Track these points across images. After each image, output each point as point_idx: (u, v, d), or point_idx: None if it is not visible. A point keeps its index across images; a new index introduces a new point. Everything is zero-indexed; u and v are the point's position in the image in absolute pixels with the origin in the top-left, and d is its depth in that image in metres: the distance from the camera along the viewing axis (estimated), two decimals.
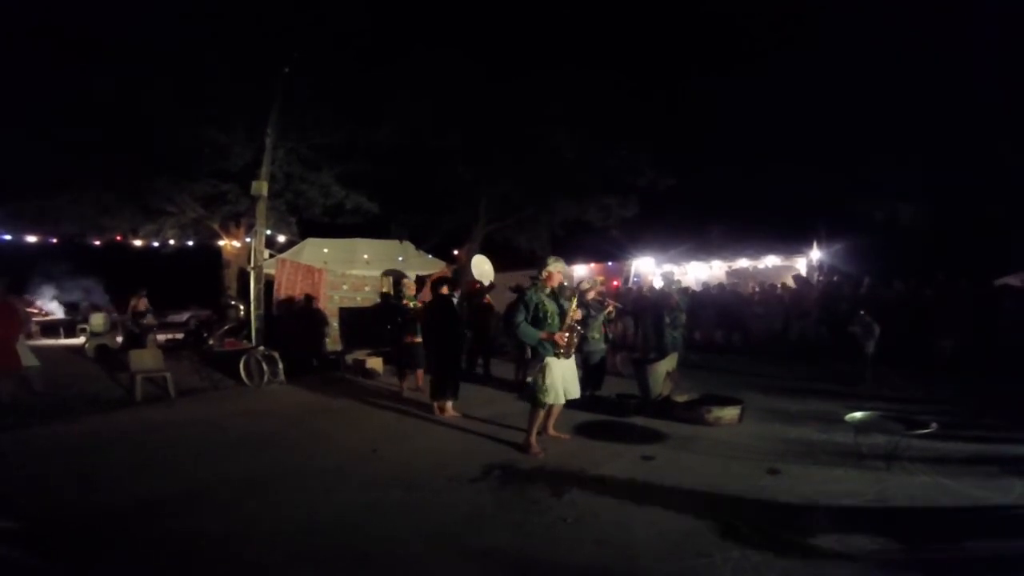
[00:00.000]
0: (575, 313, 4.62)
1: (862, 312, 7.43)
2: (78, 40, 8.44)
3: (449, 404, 5.99)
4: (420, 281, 6.32)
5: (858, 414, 4.56)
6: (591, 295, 6.31)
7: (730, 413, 5.38)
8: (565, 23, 12.89)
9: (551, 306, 4.59)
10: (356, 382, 8.18)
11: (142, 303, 10.27)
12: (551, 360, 4.51)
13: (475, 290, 8.56)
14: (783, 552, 2.88)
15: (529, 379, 4.61)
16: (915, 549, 2.96)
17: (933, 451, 4.38)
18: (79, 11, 8.11)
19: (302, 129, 10.47)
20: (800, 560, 2.81)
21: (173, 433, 5.43)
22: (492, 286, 8.83)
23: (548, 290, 4.67)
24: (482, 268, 8.82)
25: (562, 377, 4.57)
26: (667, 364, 6.20)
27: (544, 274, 4.69)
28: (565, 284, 5.00)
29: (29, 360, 6.26)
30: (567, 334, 4.52)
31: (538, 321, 4.54)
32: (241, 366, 7.84)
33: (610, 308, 6.23)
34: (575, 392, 4.73)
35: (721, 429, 5.27)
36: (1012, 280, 9.84)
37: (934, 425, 4.21)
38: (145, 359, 7.34)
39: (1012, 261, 10.68)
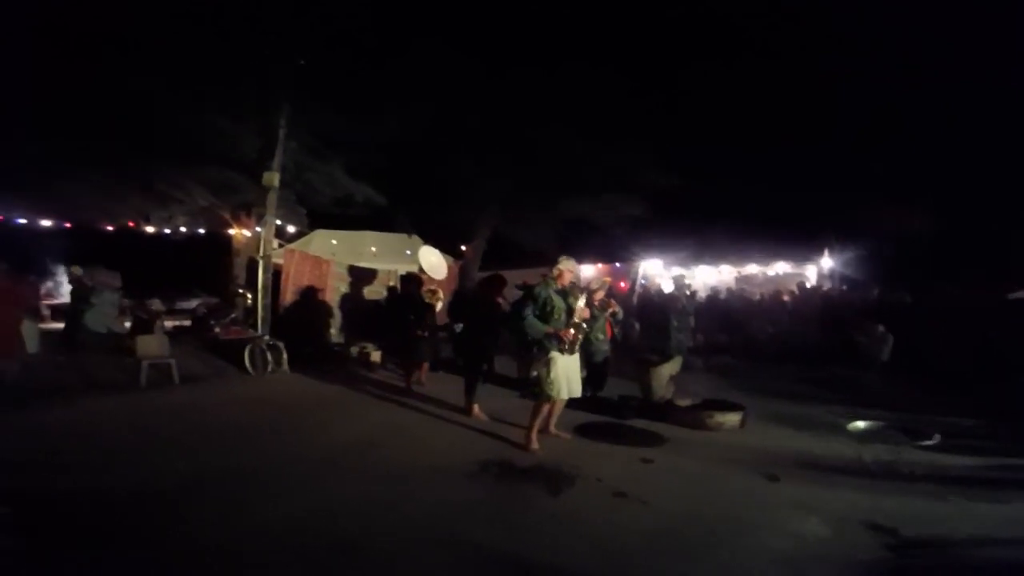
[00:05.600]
0: (583, 312, 4.70)
1: (875, 323, 7.33)
2: (85, 27, 8.48)
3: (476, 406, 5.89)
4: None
5: (861, 423, 4.54)
6: (598, 296, 6.27)
7: (732, 419, 5.34)
8: (574, 21, 12.75)
9: (559, 303, 4.67)
10: (360, 374, 8.21)
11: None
12: (556, 355, 4.57)
13: (426, 287, 7.90)
14: (775, 558, 2.87)
15: (533, 373, 4.63)
16: (909, 557, 2.95)
17: (934, 463, 4.35)
18: (85, 7, 8.14)
19: (314, 120, 10.50)
20: (792, 566, 2.79)
21: (174, 421, 5.44)
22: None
23: (558, 287, 4.74)
24: (430, 260, 8.54)
25: (566, 373, 4.61)
26: (671, 367, 6.17)
27: (555, 271, 4.76)
28: (575, 283, 5.02)
29: (32, 346, 6.31)
30: (572, 331, 4.59)
31: (545, 317, 4.62)
32: (245, 355, 7.88)
33: (613, 309, 6.19)
34: (577, 390, 4.78)
35: (722, 434, 5.24)
36: None
37: (937, 437, 4.18)
38: (151, 346, 7.37)
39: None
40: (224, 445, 4.69)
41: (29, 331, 6.43)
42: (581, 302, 4.70)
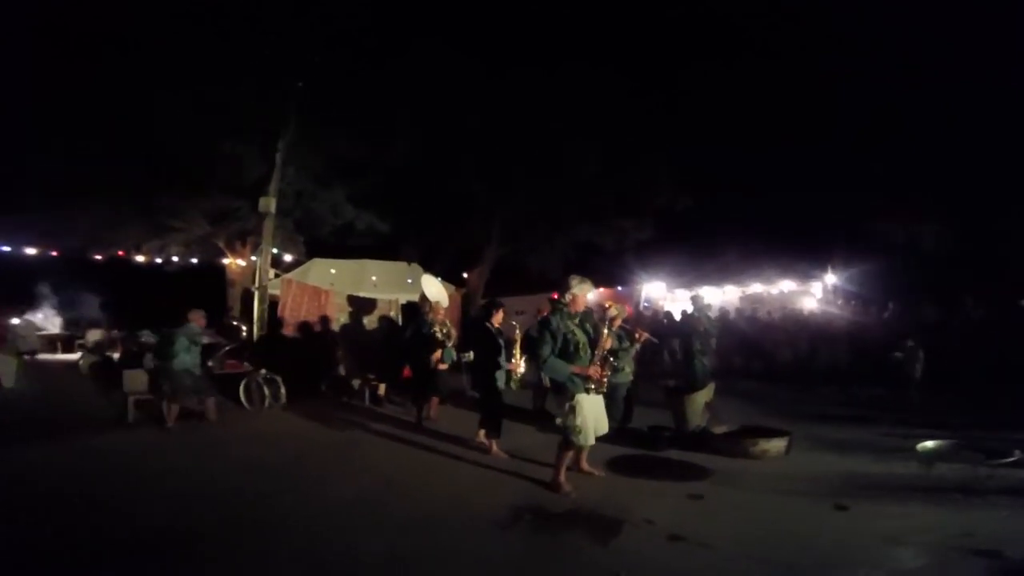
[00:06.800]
0: (607, 342, 4.10)
1: (907, 340, 6.98)
2: (88, 47, 8.28)
3: (481, 433, 5.42)
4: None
5: (930, 443, 4.17)
6: (616, 323, 5.82)
7: (777, 445, 4.91)
8: (574, 22, 12.61)
9: (580, 336, 4.05)
10: (365, 409, 7.69)
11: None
12: (581, 397, 3.99)
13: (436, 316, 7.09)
14: None
15: (558, 420, 4.09)
16: None
17: (1012, 479, 3.92)
18: (88, 16, 7.95)
19: (315, 144, 10.25)
20: None
21: (165, 463, 4.92)
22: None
23: (577, 317, 4.13)
24: (430, 290, 8.18)
25: (593, 414, 4.06)
26: (705, 395, 5.70)
27: (568, 297, 4.12)
28: (591, 309, 4.51)
29: (7, 380, 5.82)
30: (600, 367, 4.01)
31: (567, 354, 4.00)
32: (241, 389, 7.38)
33: (643, 338, 5.66)
34: (604, 427, 4.24)
35: (767, 462, 4.81)
36: None
37: (1018, 453, 3.81)
38: (139, 380, 6.84)
39: None
40: (220, 493, 4.16)
41: (5, 365, 5.93)
42: (605, 331, 4.09)
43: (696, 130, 13.84)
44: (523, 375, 5.64)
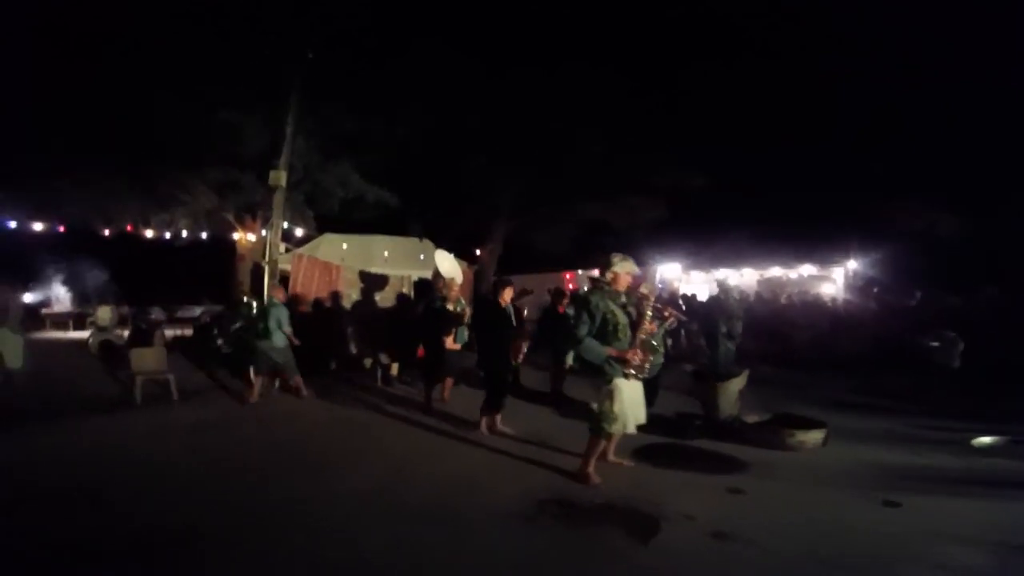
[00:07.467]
0: (650, 325, 3.80)
1: (948, 331, 6.66)
2: (85, 16, 8.02)
3: (498, 418, 5.25)
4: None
5: (986, 439, 3.94)
6: (649, 303, 5.54)
7: (815, 437, 4.66)
8: (574, 21, 12.38)
9: (621, 317, 3.76)
10: (376, 388, 7.51)
11: None
12: (620, 382, 3.73)
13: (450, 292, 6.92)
14: None
15: (593, 405, 3.84)
16: None
17: None
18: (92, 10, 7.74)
19: (322, 118, 9.98)
20: None
21: (169, 450, 4.68)
22: (526, 291, 8.03)
23: (621, 298, 3.84)
24: (443, 265, 7.92)
25: (631, 401, 3.80)
26: (739, 382, 5.42)
27: (609, 275, 3.83)
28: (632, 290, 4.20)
29: (13, 360, 5.63)
30: (641, 351, 3.72)
31: (605, 335, 3.72)
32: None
33: (671, 318, 5.37)
34: (642, 416, 3.95)
35: (805, 454, 4.56)
36: None
37: None
38: (147, 359, 6.67)
39: None
40: (228, 478, 3.97)
41: (12, 344, 5.75)
42: (649, 313, 3.79)
43: (696, 130, 13.56)
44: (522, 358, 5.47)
